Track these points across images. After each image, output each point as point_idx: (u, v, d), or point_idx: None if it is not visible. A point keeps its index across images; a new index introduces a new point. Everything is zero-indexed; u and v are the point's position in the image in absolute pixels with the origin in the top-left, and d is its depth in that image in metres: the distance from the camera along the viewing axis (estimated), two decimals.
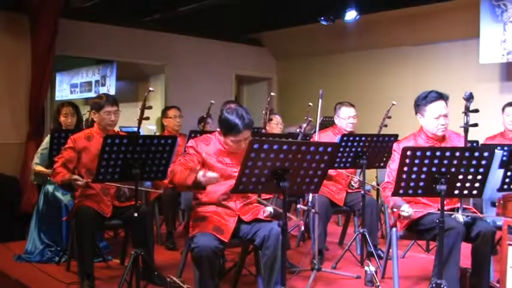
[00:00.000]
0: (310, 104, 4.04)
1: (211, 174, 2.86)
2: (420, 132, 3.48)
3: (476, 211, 3.40)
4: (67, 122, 4.70)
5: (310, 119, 4.13)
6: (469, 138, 3.63)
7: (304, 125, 4.05)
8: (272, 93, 6.21)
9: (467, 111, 3.17)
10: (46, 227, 4.45)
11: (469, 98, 3.13)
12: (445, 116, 3.33)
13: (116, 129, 4.42)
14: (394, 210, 3.40)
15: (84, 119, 4.96)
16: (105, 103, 3.77)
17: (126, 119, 4.32)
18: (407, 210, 3.23)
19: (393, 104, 4.82)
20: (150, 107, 4.17)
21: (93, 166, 3.60)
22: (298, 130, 4.22)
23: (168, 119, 5.40)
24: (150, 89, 4.19)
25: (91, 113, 3.92)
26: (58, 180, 3.63)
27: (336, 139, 4.24)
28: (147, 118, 4.19)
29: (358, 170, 4.69)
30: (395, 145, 3.50)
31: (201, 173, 2.87)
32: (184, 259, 3.36)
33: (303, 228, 4.84)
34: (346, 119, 4.52)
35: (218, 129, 3.21)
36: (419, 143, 3.43)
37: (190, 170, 3.00)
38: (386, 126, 5.00)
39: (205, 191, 3.09)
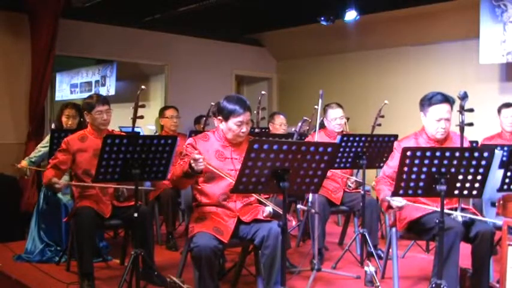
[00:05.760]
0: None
1: (195, 155, 2.84)
2: (422, 131, 3.47)
3: (475, 211, 3.41)
4: (68, 123, 4.71)
5: (305, 118, 4.13)
6: (470, 138, 3.63)
7: (300, 124, 4.05)
8: (263, 92, 6.01)
9: (462, 110, 3.18)
10: (46, 225, 4.45)
11: (464, 97, 3.14)
12: (447, 120, 3.30)
13: (116, 129, 4.43)
14: (384, 201, 3.31)
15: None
16: (96, 103, 3.77)
17: (126, 119, 4.32)
18: (400, 200, 3.11)
19: (385, 103, 4.80)
20: (143, 106, 4.17)
21: (90, 167, 3.62)
22: (293, 129, 4.22)
23: (165, 119, 5.39)
24: (142, 87, 4.21)
25: (84, 114, 3.94)
26: (44, 182, 3.69)
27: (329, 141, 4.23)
28: (141, 117, 4.19)
29: (355, 170, 4.70)
30: (396, 143, 3.52)
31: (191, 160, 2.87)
32: (184, 259, 3.36)
33: (295, 223, 4.77)
34: (333, 120, 4.52)
35: (216, 126, 3.21)
36: (420, 142, 3.43)
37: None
38: (380, 125, 4.96)
39: (200, 175, 3.06)
